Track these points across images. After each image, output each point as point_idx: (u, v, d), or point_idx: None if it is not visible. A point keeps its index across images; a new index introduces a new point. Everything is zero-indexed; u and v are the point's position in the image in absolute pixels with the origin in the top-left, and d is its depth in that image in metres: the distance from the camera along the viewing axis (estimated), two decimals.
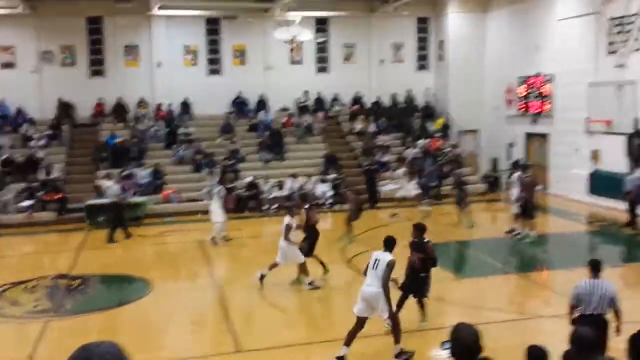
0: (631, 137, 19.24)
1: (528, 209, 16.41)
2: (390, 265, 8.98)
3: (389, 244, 9.29)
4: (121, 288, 14.21)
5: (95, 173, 22.53)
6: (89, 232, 19.19)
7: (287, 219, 12.79)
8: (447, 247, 16.26)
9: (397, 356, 9.08)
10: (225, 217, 17.57)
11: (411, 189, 21.35)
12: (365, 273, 9.36)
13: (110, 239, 17.63)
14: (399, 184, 21.90)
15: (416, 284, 10.29)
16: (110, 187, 18.77)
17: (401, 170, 22.09)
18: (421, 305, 10.47)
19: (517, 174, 17.40)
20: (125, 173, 21.18)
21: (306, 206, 14.18)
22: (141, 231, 19.02)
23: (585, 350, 5.10)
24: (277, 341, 10.10)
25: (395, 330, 9.15)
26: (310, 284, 12.70)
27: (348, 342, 9.05)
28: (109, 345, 2.61)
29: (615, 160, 19.83)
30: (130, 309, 12.12)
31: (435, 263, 10.44)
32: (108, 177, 21.39)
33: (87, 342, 2.60)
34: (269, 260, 15.88)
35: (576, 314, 7.75)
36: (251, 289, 13.48)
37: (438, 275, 13.63)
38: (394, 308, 9.41)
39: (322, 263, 13.41)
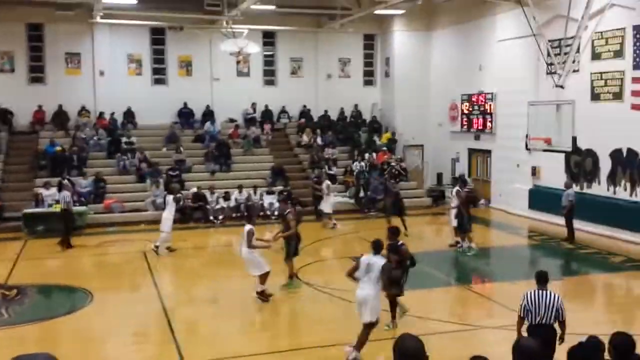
0: (570, 154, 19.89)
1: (463, 223, 16.77)
2: (385, 269, 9.35)
3: (378, 247, 9.51)
4: (60, 298, 13.77)
5: (33, 181, 21.87)
6: (26, 242, 18.59)
7: (247, 227, 12.40)
8: None
9: None
10: (171, 228, 17.30)
11: (329, 203, 21.21)
12: (350, 275, 9.59)
13: (68, 244, 17.56)
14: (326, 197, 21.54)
15: (394, 283, 10.48)
16: (62, 195, 18.24)
17: (325, 184, 21.61)
18: (395, 305, 10.75)
19: (455, 189, 17.70)
20: (65, 181, 20.58)
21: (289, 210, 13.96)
22: (82, 241, 18.52)
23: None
24: (222, 352, 9.94)
25: (363, 337, 9.29)
26: (260, 293, 12.52)
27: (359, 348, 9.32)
28: (44, 357, 2.46)
29: (555, 176, 20.49)
30: (70, 320, 11.72)
31: (414, 263, 10.88)
32: (46, 186, 20.80)
33: (22, 353, 2.45)
34: (213, 271, 15.77)
35: (525, 325, 7.86)
36: (195, 299, 13.28)
37: None
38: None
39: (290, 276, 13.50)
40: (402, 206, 19.42)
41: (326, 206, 21.11)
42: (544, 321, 7.72)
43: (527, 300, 7.81)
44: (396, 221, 18.92)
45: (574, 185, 18.62)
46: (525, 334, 7.71)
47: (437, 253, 17.28)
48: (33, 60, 25.25)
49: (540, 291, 7.88)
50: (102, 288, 13.82)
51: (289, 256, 13.46)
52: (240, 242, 12.65)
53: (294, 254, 13.49)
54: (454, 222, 17.06)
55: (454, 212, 17.09)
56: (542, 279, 8.07)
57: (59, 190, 19.19)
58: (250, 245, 12.30)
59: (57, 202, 20.12)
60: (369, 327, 9.30)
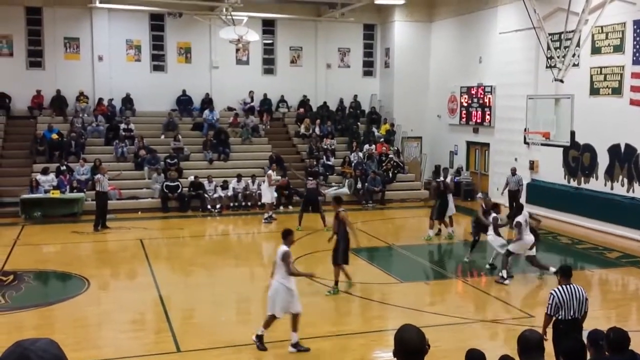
0: (568, 149, 19.90)
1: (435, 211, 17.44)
2: None
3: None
4: (57, 285, 13.80)
5: (31, 167, 21.86)
6: (23, 227, 18.59)
7: (283, 248, 9.66)
8: (389, 251, 16.46)
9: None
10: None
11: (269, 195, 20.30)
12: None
13: (104, 226, 18.33)
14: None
15: None
16: (98, 177, 18.65)
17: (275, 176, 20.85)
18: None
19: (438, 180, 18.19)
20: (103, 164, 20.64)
21: (341, 209, 12.75)
22: (78, 228, 18.54)
23: (528, 351, 5.19)
24: (217, 341, 9.98)
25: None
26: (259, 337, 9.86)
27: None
28: (46, 342, 2.45)
29: (553, 170, 20.57)
30: (66, 306, 11.73)
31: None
32: (44, 171, 20.82)
33: (22, 339, 2.45)
34: (210, 260, 15.74)
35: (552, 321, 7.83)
36: (192, 288, 13.29)
37: (381, 278, 13.84)
38: None
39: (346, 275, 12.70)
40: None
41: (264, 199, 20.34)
42: (576, 315, 7.72)
43: (558, 297, 7.71)
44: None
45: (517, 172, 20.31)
46: (550, 330, 7.77)
47: (432, 245, 17.34)
48: (32, 44, 25.13)
49: (569, 286, 7.82)
50: (98, 275, 13.86)
51: (337, 260, 12.45)
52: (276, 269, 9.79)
53: (342, 259, 12.46)
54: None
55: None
56: (568, 274, 8.06)
57: (93, 173, 20.27)
58: (289, 272, 9.59)
59: (55, 187, 20.19)
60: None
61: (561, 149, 20.04)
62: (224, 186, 22.01)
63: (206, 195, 21.68)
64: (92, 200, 19.46)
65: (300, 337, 10.10)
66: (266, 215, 19.90)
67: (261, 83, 27.40)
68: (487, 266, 14.38)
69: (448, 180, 18.20)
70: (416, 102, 27.58)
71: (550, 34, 19.27)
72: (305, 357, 9.46)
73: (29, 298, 12.24)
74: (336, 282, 12.39)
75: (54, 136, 22.84)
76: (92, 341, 10.30)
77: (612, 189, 18.65)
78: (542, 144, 20.48)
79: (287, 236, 9.77)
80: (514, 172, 20.39)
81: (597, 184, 19.16)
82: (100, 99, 25.16)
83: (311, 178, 19.24)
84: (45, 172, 20.78)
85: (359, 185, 23.46)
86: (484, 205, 14.99)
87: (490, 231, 14.13)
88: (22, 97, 24.46)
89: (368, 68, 29.31)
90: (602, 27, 18.51)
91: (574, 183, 20.14)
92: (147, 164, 22.64)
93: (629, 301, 12.86)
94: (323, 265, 14.39)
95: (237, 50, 25.87)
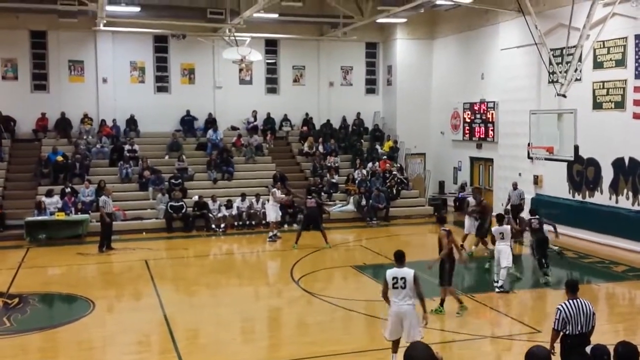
0: (572, 163, 19.88)
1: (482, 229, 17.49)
2: None
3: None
4: (62, 307, 13.78)
5: (36, 189, 21.93)
6: (28, 250, 18.60)
7: (410, 271, 9.24)
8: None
9: None
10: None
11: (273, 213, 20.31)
12: None
13: (109, 246, 18.35)
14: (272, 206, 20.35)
15: None
16: (102, 199, 18.53)
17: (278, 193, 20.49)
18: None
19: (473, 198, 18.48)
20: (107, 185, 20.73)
21: (443, 228, 12.36)
22: (82, 249, 18.55)
23: None
24: None
25: None
26: None
27: None
28: None
29: (557, 185, 20.54)
30: (71, 329, 11.70)
31: None
32: (49, 193, 20.87)
33: None
34: (214, 280, 15.73)
35: (560, 337, 7.72)
36: (196, 308, 13.25)
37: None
38: None
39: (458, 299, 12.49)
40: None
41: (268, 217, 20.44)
42: (584, 330, 7.62)
43: (565, 312, 7.61)
44: None
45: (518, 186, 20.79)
46: (557, 345, 7.67)
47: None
48: (36, 67, 25.33)
49: (576, 301, 7.73)
50: (103, 296, 13.84)
51: (443, 281, 12.25)
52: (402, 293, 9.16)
53: (448, 280, 12.23)
54: (473, 230, 17.73)
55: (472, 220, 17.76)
56: (574, 288, 7.96)
57: (97, 194, 20.32)
58: (420, 295, 9.24)
59: (59, 209, 20.23)
60: None
61: (565, 163, 20.03)
62: (228, 205, 22.03)
63: (210, 215, 21.70)
64: (96, 221, 19.48)
65: (306, 356, 10.07)
66: (271, 234, 19.89)
67: (264, 102, 27.54)
68: (495, 283, 14.27)
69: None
70: (419, 119, 27.66)
71: (552, 50, 19.36)
72: None
73: (34, 321, 12.20)
74: (441, 302, 12.22)
75: (59, 158, 22.95)
76: None
77: (617, 202, 18.60)
78: (546, 159, 20.47)
79: (403, 258, 9.37)
80: (515, 186, 20.64)
81: (601, 197, 19.12)
82: (103, 121, 25.28)
83: (310, 196, 19.17)
84: (49, 194, 20.84)
85: (363, 203, 23.45)
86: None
87: (507, 241, 14.04)
88: (26, 120, 24.64)
89: (371, 86, 29.45)
90: (603, 41, 18.58)
91: (578, 197, 20.10)
92: (152, 184, 22.71)
93: (636, 315, 12.75)
94: (321, 283, 14.41)
95: (240, 70, 26.01)
